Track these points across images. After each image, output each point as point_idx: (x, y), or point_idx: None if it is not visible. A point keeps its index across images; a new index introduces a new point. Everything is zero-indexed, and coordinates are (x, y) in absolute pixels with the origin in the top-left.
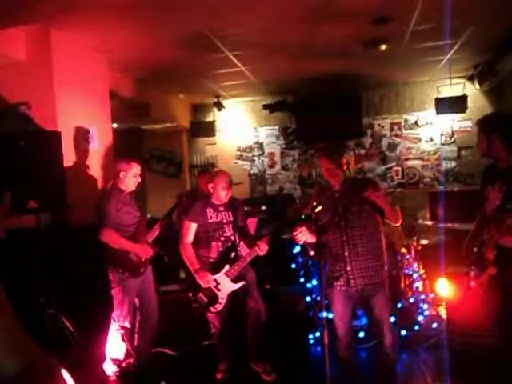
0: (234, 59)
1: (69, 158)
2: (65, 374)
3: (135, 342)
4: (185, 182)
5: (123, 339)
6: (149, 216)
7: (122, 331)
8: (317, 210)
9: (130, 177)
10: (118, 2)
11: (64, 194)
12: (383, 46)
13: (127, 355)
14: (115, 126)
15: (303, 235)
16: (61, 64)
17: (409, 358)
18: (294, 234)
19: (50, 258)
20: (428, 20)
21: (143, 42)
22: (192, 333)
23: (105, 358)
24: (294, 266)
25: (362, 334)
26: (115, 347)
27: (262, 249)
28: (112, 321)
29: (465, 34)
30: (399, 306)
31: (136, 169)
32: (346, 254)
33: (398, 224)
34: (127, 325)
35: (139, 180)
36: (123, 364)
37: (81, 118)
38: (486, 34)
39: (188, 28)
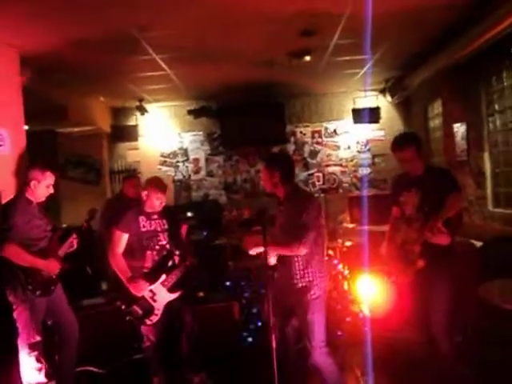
0: (160, 62)
1: None
2: None
3: (55, 363)
4: (105, 188)
5: (39, 360)
6: (64, 225)
7: (35, 352)
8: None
9: (43, 187)
10: None
11: None
12: (307, 58)
13: (50, 376)
14: (26, 128)
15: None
16: None
17: (337, 356)
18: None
19: None
20: (349, 35)
21: (60, 39)
22: (120, 347)
23: None
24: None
25: None
26: (31, 371)
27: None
28: (21, 346)
29: (379, 50)
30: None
31: (50, 179)
32: (278, 264)
33: None
34: (34, 342)
35: (52, 191)
36: None
37: None
38: (398, 51)
39: (110, 27)
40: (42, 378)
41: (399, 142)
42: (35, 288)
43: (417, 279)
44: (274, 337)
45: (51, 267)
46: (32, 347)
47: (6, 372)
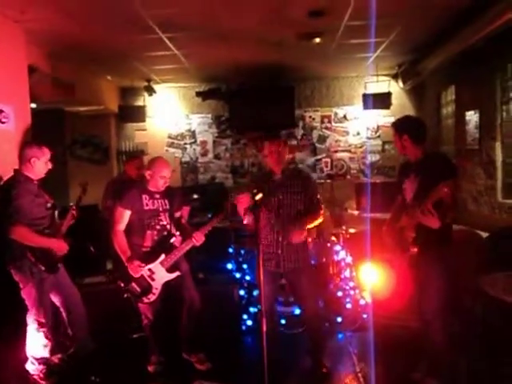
0: (167, 42)
1: None
2: None
3: (69, 335)
4: (112, 168)
5: (47, 337)
6: (71, 204)
7: (44, 329)
8: (257, 197)
9: (42, 164)
10: None
11: None
12: (317, 40)
13: (53, 352)
14: (34, 106)
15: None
16: None
17: (336, 341)
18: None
19: None
20: (360, 17)
21: (67, 16)
22: (120, 326)
23: (26, 359)
24: (229, 251)
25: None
26: (38, 346)
27: (198, 239)
28: (29, 321)
29: (393, 33)
30: (328, 291)
31: (48, 155)
32: (280, 238)
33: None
34: (43, 320)
35: (50, 167)
36: (53, 360)
37: None
38: (412, 35)
39: (118, 4)
40: (46, 353)
41: (393, 128)
42: (44, 266)
43: (413, 265)
44: (264, 321)
45: (61, 247)
46: (41, 324)
47: (10, 345)
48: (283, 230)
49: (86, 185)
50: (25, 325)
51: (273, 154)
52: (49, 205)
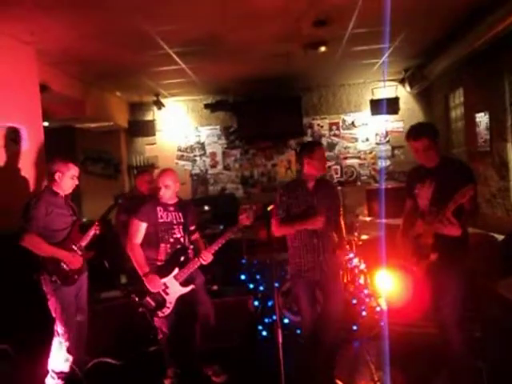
0: (174, 56)
1: None
2: None
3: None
4: (123, 183)
5: (69, 351)
6: (85, 220)
7: (67, 343)
8: (268, 208)
9: (67, 179)
10: None
11: None
12: (322, 48)
13: (72, 367)
14: (46, 124)
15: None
16: None
17: (353, 349)
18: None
19: None
20: (365, 24)
21: (76, 35)
22: (136, 339)
23: (47, 372)
24: (242, 262)
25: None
26: (59, 360)
27: (206, 258)
28: (56, 333)
29: (398, 38)
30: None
31: (74, 170)
32: (320, 244)
33: None
34: (66, 333)
35: (77, 182)
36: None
37: (7, 116)
38: (417, 39)
39: (125, 22)
40: (66, 368)
41: (413, 132)
42: (57, 278)
43: (431, 272)
44: (280, 331)
45: (73, 261)
46: (64, 337)
47: (36, 358)
48: (322, 236)
49: (119, 198)
50: (51, 337)
51: (323, 160)
52: (72, 219)
